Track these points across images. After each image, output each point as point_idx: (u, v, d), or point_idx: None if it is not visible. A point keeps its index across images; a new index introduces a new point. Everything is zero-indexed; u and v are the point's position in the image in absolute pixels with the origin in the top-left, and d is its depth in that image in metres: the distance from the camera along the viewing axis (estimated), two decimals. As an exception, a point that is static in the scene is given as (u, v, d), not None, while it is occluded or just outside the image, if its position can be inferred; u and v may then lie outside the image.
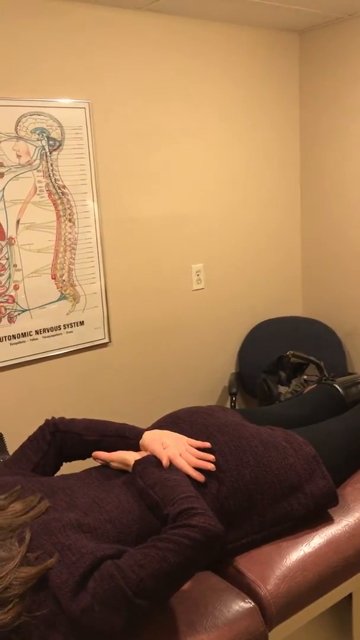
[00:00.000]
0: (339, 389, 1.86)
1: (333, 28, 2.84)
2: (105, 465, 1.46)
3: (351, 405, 1.83)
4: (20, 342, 2.36)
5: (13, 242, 2.28)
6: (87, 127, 2.39)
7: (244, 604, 1.24)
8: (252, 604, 1.25)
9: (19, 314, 2.34)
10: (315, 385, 1.98)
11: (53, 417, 1.57)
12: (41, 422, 2.45)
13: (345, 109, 2.88)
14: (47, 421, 1.56)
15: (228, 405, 3.04)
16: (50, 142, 2.31)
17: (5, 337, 2.32)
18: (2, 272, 2.28)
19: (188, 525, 1.14)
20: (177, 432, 1.50)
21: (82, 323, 2.52)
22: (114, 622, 1.03)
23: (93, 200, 2.46)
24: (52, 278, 2.40)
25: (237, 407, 3.02)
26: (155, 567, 1.08)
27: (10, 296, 2.31)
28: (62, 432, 1.53)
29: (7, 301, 2.30)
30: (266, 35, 2.88)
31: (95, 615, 1.01)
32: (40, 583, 1.05)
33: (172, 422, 1.57)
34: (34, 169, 2.28)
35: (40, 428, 1.55)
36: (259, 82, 2.91)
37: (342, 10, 2.62)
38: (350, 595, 1.49)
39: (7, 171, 2.22)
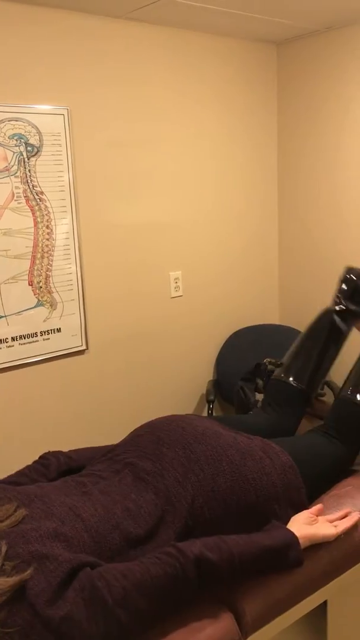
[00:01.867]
0: (292, 382, 1.88)
1: (310, 40, 2.88)
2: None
3: (308, 388, 1.85)
4: (-4, 349, 2.33)
5: (-10, 248, 2.26)
6: (65, 134, 2.38)
7: (219, 612, 1.24)
8: (228, 612, 1.25)
9: (-5, 321, 2.32)
10: (270, 385, 1.99)
11: (60, 455, 1.52)
12: (17, 431, 2.43)
13: (322, 120, 2.92)
14: (52, 458, 1.51)
15: (205, 412, 3.05)
16: (29, 148, 2.30)
17: (-19, 343, 2.30)
18: (-22, 278, 2.26)
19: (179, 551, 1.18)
20: (154, 441, 1.50)
21: (59, 330, 2.50)
22: (90, 633, 1.02)
23: (71, 207, 2.45)
24: (29, 284, 2.38)
25: (214, 415, 3.03)
26: (137, 577, 1.08)
27: (-13, 302, 2.29)
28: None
29: (-17, 307, 2.28)
30: (244, 46, 2.91)
31: (73, 624, 1.00)
32: (17, 594, 1.04)
33: (150, 432, 1.56)
34: (11, 175, 2.27)
35: (43, 465, 1.53)
36: (237, 93, 2.94)
37: (318, 23, 2.66)
38: (325, 603, 1.50)
39: (-16, 177, 2.21)
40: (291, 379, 1.89)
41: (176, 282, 2.87)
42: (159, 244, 2.78)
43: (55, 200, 2.39)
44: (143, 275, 2.75)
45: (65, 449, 1.69)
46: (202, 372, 3.08)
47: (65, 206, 2.42)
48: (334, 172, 2.91)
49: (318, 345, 1.95)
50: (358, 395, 1.74)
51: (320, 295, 3.11)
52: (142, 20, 2.50)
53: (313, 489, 1.56)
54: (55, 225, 2.41)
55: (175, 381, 2.97)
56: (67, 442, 2.57)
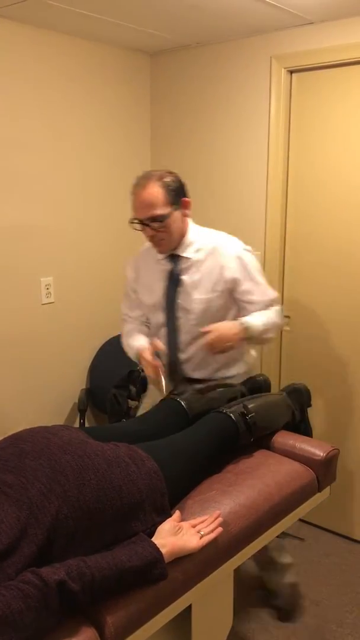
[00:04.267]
0: (182, 403, 1.91)
1: (182, 53, 2.95)
2: None
3: (194, 418, 1.88)
4: None
5: None
6: None
7: (80, 626, 1.21)
8: (89, 625, 1.22)
9: None
10: (160, 401, 2.01)
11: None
12: None
13: (192, 129, 2.99)
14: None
15: (77, 422, 3.00)
16: None
17: None
18: None
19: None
20: (17, 453, 1.45)
21: None
22: None
23: None
24: None
25: (86, 424, 2.98)
26: None
27: None
28: None
29: None
30: (119, 54, 2.92)
31: None
32: None
33: (13, 444, 1.51)
34: None
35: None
36: (109, 99, 2.93)
37: (191, 37, 2.72)
38: (189, 607, 1.52)
39: None
40: (184, 402, 1.92)
41: (47, 288, 2.80)
42: (29, 248, 2.70)
43: None
44: (11, 281, 2.65)
45: None
46: (75, 381, 3.03)
47: None
48: (202, 177, 3.01)
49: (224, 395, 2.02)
50: (225, 409, 1.85)
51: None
52: (13, 19, 2.42)
53: (177, 491, 1.59)
54: None
55: (46, 390, 2.89)
56: None
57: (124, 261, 3.19)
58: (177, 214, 2.00)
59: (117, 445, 1.57)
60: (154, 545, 1.36)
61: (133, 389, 2.77)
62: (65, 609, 1.19)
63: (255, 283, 2.08)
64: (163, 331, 2.16)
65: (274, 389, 2.36)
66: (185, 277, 2.09)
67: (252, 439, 1.85)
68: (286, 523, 1.75)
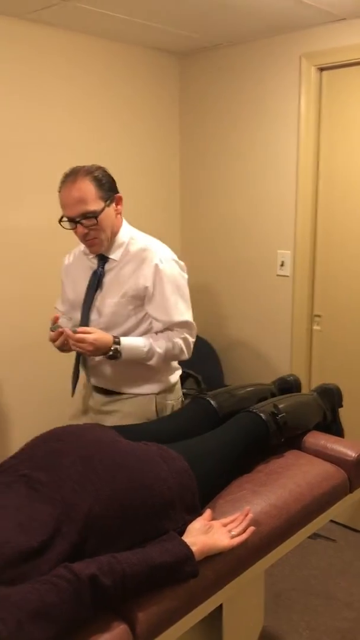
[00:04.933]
0: (212, 402, 1.91)
1: (211, 53, 2.95)
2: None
3: (224, 417, 1.88)
4: None
5: None
6: None
7: (113, 622, 1.22)
8: (122, 622, 1.23)
9: None
10: (189, 400, 2.02)
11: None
12: None
13: (222, 131, 2.99)
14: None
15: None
16: None
17: None
18: None
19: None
20: (50, 451, 1.47)
21: None
22: None
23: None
24: None
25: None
26: (32, 607, 1.06)
27: None
28: None
29: None
30: (147, 55, 2.93)
31: None
32: None
33: (45, 442, 1.53)
34: None
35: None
36: (141, 100, 2.94)
37: (220, 37, 2.72)
38: (220, 607, 1.52)
39: None
40: (214, 402, 1.91)
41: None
42: (53, 251, 2.72)
43: None
44: (39, 281, 2.67)
45: None
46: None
47: None
48: (233, 178, 3.00)
49: (255, 395, 2.00)
50: (255, 409, 1.85)
51: (219, 303, 3.18)
52: (42, 22, 2.45)
53: (208, 490, 1.59)
54: None
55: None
56: None
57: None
58: (109, 210, 1.89)
59: (147, 445, 1.57)
60: (185, 543, 1.36)
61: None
62: (98, 603, 1.20)
63: (163, 298, 1.93)
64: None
65: (305, 389, 2.34)
66: (106, 279, 1.99)
67: (282, 439, 1.84)
68: (317, 524, 1.74)
